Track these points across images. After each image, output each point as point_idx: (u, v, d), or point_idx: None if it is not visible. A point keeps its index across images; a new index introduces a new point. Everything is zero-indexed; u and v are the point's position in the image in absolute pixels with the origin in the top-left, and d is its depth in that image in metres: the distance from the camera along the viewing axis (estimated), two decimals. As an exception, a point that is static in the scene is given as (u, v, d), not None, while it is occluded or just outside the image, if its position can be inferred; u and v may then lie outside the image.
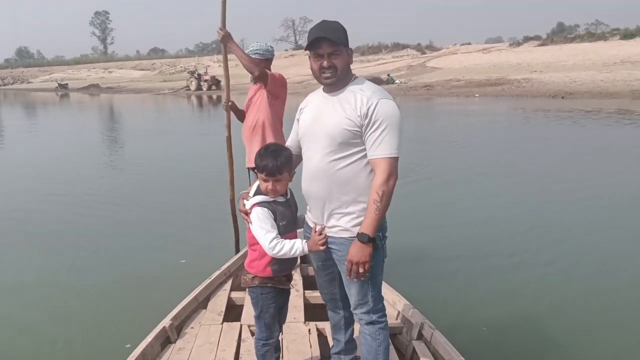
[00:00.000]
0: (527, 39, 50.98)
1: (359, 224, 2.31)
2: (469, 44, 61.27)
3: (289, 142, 2.61)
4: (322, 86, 2.43)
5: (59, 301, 4.63)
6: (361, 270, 2.28)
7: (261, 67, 4.09)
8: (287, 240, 2.42)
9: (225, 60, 4.49)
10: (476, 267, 5.21)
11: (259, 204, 2.42)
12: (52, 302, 4.60)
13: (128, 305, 4.48)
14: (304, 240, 2.45)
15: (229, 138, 4.64)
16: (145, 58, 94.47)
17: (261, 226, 2.39)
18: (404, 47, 60.61)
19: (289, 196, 2.53)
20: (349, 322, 2.75)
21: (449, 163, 10.51)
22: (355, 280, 2.36)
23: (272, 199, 2.44)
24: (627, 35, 41.91)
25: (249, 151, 4.29)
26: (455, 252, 5.60)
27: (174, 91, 42.35)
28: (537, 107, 20.69)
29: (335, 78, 2.30)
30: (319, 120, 2.36)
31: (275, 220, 2.43)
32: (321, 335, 3.27)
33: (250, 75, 4.22)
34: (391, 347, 3.02)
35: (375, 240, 2.30)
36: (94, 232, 6.50)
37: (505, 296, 4.55)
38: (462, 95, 27.04)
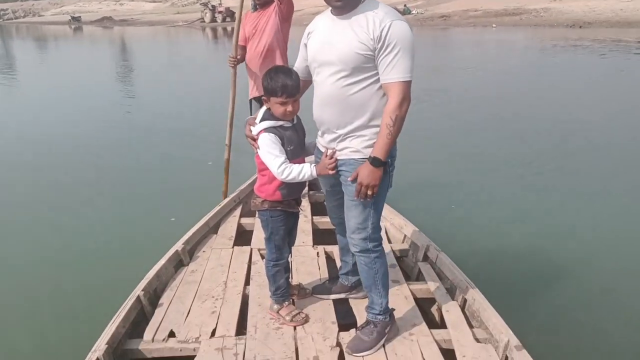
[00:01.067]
0: (548, -33, 49.37)
1: (371, 146, 2.32)
2: (488, -28, 59.30)
3: (296, 67, 2.54)
4: (330, 8, 2.34)
5: (75, 230, 4.79)
6: (369, 192, 2.30)
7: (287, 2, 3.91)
8: (296, 165, 2.44)
9: (239, 21, 4.18)
10: (484, 195, 5.32)
11: (266, 129, 2.42)
12: (66, 232, 4.75)
13: (143, 232, 4.63)
14: (313, 164, 2.46)
15: (232, 108, 4.46)
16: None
17: (269, 151, 2.41)
18: (421, -24, 58.88)
19: (295, 121, 2.53)
20: None
21: (460, 89, 11.03)
22: (359, 202, 2.38)
23: (279, 124, 2.44)
24: (652, -38, 40.49)
25: (256, 81, 4.14)
26: (463, 180, 5.71)
27: (188, 23, 42.17)
28: (554, 37, 20.80)
29: (345, 1, 2.22)
30: (329, 44, 2.29)
31: (282, 145, 2.43)
32: (329, 258, 3.37)
33: (251, 2, 4.12)
34: (397, 268, 3.24)
35: (385, 164, 2.30)
36: (105, 173, 6.38)
37: (511, 223, 4.66)
38: (480, 25, 27.02)
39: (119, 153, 7.24)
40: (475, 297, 2.76)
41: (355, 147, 2.35)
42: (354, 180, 2.32)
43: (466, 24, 28.10)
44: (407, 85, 2.21)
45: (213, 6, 42.08)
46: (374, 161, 2.26)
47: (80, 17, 56.11)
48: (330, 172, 2.40)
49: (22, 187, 5.97)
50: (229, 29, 35.47)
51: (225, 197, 4.46)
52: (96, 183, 6.01)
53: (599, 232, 4.44)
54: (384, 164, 2.28)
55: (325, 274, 3.16)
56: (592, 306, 3.46)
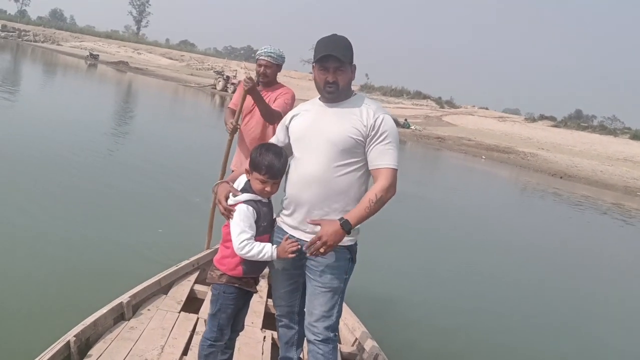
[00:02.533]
0: (542, 117, 52.69)
1: (350, 233, 2.34)
2: (487, 108, 63.04)
3: None
4: (319, 97, 2.50)
5: (24, 262, 4.58)
6: (322, 250, 2.26)
7: (279, 119, 3.66)
8: (257, 243, 2.37)
9: (238, 115, 4.14)
10: (439, 309, 5.46)
11: (247, 201, 2.38)
12: (17, 266, 4.50)
13: (89, 278, 4.45)
14: (274, 246, 2.41)
15: (225, 162, 4.27)
16: (175, 48, 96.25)
17: (239, 224, 2.35)
18: (425, 97, 62.36)
19: (270, 197, 2.50)
20: (301, 339, 2.70)
21: (434, 206, 11.63)
22: (328, 289, 2.37)
23: (258, 199, 2.41)
24: (637, 136, 43.57)
25: (239, 157, 4.19)
26: (421, 295, 5.82)
27: (200, 86, 43.69)
28: (535, 181, 22.00)
29: (337, 93, 2.39)
30: (318, 127, 2.39)
31: (257, 220, 2.39)
32: (275, 346, 3.13)
33: (257, 78, 4.02)
34: None
35: (350, 231, 2.30)
36: (70, 207, 6.30)
37: (463, 339, 4.85)
38: (470, 154, 28.39)
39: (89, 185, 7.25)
40: None
41: None
42: (314, 243, 2.27)
43: (458, 150, 29.56)
44: (396, 173, 2.34)
45: (227, 76, 43.83)
46: (344, 224, 2.26)
47: (98, 55, 57.81)
48: (290, 255, 2.35)
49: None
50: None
51: (209, 247, 4.33)
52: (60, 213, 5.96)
53: (556, 347, 4.82)
54: (349, 232, 2.29)
55: None
56: None
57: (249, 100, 4.03)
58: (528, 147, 32.89)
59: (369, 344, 3.35)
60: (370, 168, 2.36)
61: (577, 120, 58.42)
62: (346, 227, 2.27)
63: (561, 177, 24.32)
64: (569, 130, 45.28)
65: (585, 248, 10.63)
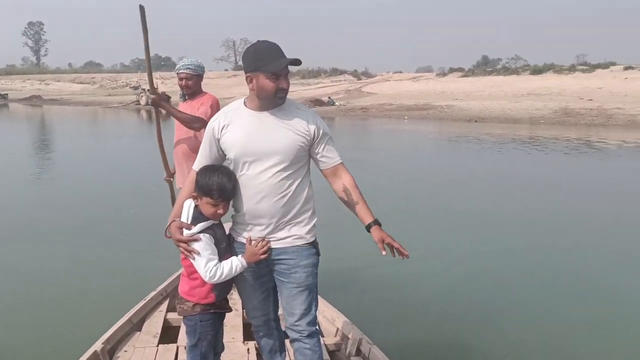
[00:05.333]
0: (452, 70, 56.36)
1: (310, 230, 2.48)
2: (400, 72, 66.32)
3: (202, 163, 2.49)
4: (242, 102, 2.45)
5: None
6: (397, 245, 2.34)
7: (200, 123, 3.81)
8: (225, 262, 2.36)
9: (159, 129, 4.22)
10: (417, 286, 5.32)
11: (202, 231, 2.32)
12: None
13: (57, 330, 4.22)
14: (240, 256, 2.40)
15: (160, 144, 4.27)
16: (81, 71, 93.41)
17: (203, 254, 2.31)
18: (342, 72, 64.89)
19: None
20: (282, 343, 2.78)
21: (382, 174, 12.76)
22: (304, 287, 2.44)
23: (211, 223, 2.37)
24: (536, 71, 47.76)
25: (180, 173, 4.11)
26: (392, 271, 5.58)
27: (123, 105, 43.77)
28: (453, 128, 24.65)
29: (285, 98, 2.39)
30: (262, 138, 2.35)
31: (216, 244, 2.37)
32: (260, 356, 3.07)
33: (180, 92, 4.11)
34: None
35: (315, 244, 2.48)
36: (19, 250, 6.19)
37: (444, 314, 4.71)
38: (394, 117, 30.83)
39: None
40: None
41: (298, 234, 2.44)
42: (384, 248, 2.37)
43: (382, 116, 31.96)
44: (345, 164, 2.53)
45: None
46: (377, 222, 2.43)
47: (7, 94, 55.68)
48: (262, 257, 2.37)
49: None
50: (163, 112, 37.31)
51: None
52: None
53: (534, 325, 4.53)
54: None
55: None
56: None
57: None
58: (443, 101, 35.81)
59: (351, 332, 3.39)
60: (324, 168, 2.49)
61: (484, 67, 62.65)
62: (379, 223, 2.44)
63: (476, 121, 27.19)
64: (477, 78, 48.88)
65: (517, 176, 12.89)
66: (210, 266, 2.31)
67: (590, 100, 31.52)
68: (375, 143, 19.76)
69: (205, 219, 2.36)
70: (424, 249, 6.36)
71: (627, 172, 13.15)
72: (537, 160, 14.96)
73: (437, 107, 33.10)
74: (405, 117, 30.59)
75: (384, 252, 2.36)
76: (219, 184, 2.31)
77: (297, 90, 45.80)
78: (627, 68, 42.92)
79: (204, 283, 2.38)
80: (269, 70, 2.30)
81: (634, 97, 30.98)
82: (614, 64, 45.25)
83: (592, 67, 45.53)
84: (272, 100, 2.37)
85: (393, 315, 4.60)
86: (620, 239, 7.17)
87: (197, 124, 3.84)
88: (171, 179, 4.44)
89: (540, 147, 17.76)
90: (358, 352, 3.28)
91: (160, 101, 3.91)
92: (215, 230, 2.39)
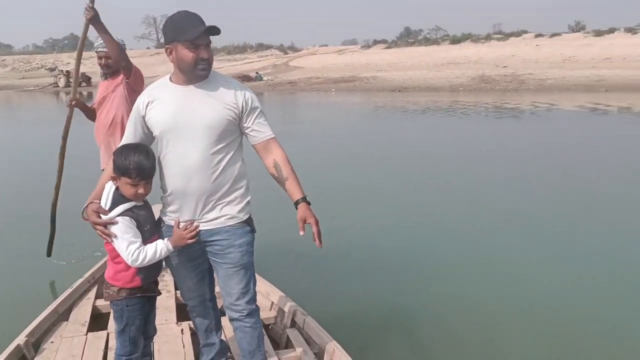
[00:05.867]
0: (376, 42, 57.57)
1: (243, 208, 2.39)
2: (326, 45, 66.89)
3: (130, 141, 2.39)
4: (168, 78, 2.36)
5: None
6: (315, 230, 2.31)
7: (126, 56, 3.81)
8: (149, 246, 2.27)
9: (80, 53, 4.15)
10: (346, 255, 5.30)
11: (122, 214, 2.23)
12: None
13: None
14: (165, 239, 2.32)
15: (63, 145, 4.31)
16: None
17: (123, 238, 2.22)
18: (268, 47, 64.66)
19: (145, 198, 2.36)
20: (219, 322, 2.72)
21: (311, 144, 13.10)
22: (240, 267, 2.38)
23: (132, 205, 2.28)
24: (455, 41, 49.74)
25: (106, 152, 3.99)
26: (324, 243, 5.83)
27: (40, 88, 41.70)
28: (378, 98, 25.55)
29: (209, 70, 2.29)
30: (189, 113, 2.27)
31: (139, 227, 2.27)
32: (195, 335, 2.99)
33: (100, 71, 4.07)
34: (265, 337, 3.02)
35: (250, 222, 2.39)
36: None
37: (374, 281, 4.71)
38: (322, 90, 31.40)
39: None
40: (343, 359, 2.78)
41: (230, 213, 2.36)
42: (304, 227, 2.31)
43: (310, 89, 32.44)
44: (277, 139, 2.41)
45: (67, 71, 42.17)
46: (306, 200, 2.35)
47: None
48: (190, 241, 2.29)
49: None
50: (84, 93, 36.01)
51: (50, 255, 4.47)
52: None
53: (469, 289, 4.52)
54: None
55: (190, 353, 3.00)
56: None
57: (100, 92, 4.06)
58: (369, 72, 36.76)
59: (286, 304, 3.41)
60: (254, 142, 2.39)
61: (406, 38, 64.25)
62: (308, 201, 2.36)
63: (400, 91, 28.28)
64: (400, 49, 50.27)
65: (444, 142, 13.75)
66: (131, 249, 2.22)
67: (505, 67, 33.49)
68: (305, 116, 20.22)
69: (126, 200, 2.26)
70: (353, 217, 6.49)
71: (543, 131, 14.27)
72: (458, 126, 15.91)
73: (362, 79, 33.96)
74: (333, 90, 31.22)
75: (301, 232, 2.30)
76: (137, 163, 2.21)
77: (224, 66, 45.32)
78: (537, 36, 45.63)
79: (128, 267, 2.29)
80: (186, 40, 2.20)
81: (543, 62, 33.21)
82: (525, 32, 47.88)
83: (507, 36, 48.00)
84: (194, 72, 2.26)
85: (327, 286, 4.65)
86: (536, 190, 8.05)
87: (125, 56, 3.85)
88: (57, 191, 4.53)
89: (461, 112, 18.86)
90: (293, 323, 3.30)
91: (98, 17, 3.78)
92: (136, 212, 2.29)
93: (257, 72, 40.24)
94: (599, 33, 42.09)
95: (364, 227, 6.27)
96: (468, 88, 28.02)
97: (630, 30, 40.37)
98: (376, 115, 19.92)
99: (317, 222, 2.31)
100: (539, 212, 6.71)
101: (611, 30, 41.73)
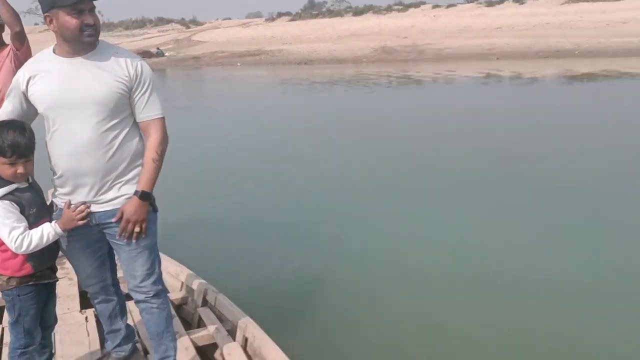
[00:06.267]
0: (280, 15, 57.01)
1: None
2: (230, 18, 65.38)
3: (7, 117, 2.20)
4: (52, 51, 2.18)
5: None
6: (137, 229, 2.18)
7: (21, 24, 3.47)
8: (34, 230, 2.11)
9: None
10: (253, 229, 5.24)
11: (1, 198, 2.09)
12: None
13: None
14: (53, 222, 2.17)
15: None
16: None
17: (4, 223, 2.07)
18: (169, 21, 62.00)
19: (30, 180, 2.22)
20: (123, 307, 2.62)
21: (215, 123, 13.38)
22: (144, 248, 2.27)
23: (13, 188, 2.12)
24: (357, 12, 50.37)
25: None
26: (232, 219, 5.57)
27: None
28: (284, 71, 25.55)
29: (96, 37, 2.12)
30: (75, 87, 2.11)
31: (22, 211, 2.12)
32: (99, 322, 2.85)
33: None
34: (176, 318, 2.99)
35: (152, 198, 2.24)
36: None
37: (283, 254, 4.65)
38: (227, 65, 30.84)
39: None
40: (256, 334, 2.75)
41: (129, 193, 2.22)
42: (119, 220, 2.19)
43: (215, 64, 31.75)
44: (164, 121, 2.24)
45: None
46: (142, 195, 2.17)
47: None
48: (81, 222, 2.17)
49: None
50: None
51: None
52: None
53: (378, 260, 4.47)
54: (150, 199, 2.22)
55: (96, 341, 2.85)
56: (370, 328, 3.52)
57: None
58: (274, 45, 36.44)
59: (196, 283, 3.35)
60: (139, 120, 2.22)
61: (310, 10, 64.17)
62: (145, 197, 2.19)
63: (305, 64, 28.38)
64: (305, 21, 50.13)
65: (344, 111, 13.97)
66: (14, 235, 2.06)
67: (405, 37, 34.47)
68: (210, 90, 19.86)
69: (6, 183, 2.10)
70: (260, 188, 6.54)
71: (445, 98, 15.12)
72: (363, 96, 16.35)
73: (268, 52, 33.68)
74: (239, 64, 30.75)
75: (113, 220, 2.21)
76: (11, 140, 2.04)
77: (122, 42, 42.91)
78: (435, 7, 47.27)
79: (15, 254, 2.14)
80: (67, 4, 2.01)
81: (441, 33, 34.55)
82: (424, 2, 49.43)
83: (406, 7, 49.31)
84: (80, 39, 2.08)
85: (237, 262, 4.56)
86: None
87: (20, 23, 3.42)
88: None
89: (366, 83, 19.36)
90: (204, 302, 3.24)
91: None
92: (19, 195, 2.12)
93: (158, 48, 38.57)
94: (490, 3, 44.28)
95: (269, 200, 6.22)
96: (371, 59, 28.70)
97: (518, 1, 42.89)
98: (284, 87, 19.95)
99: (127, 221, 2.18)
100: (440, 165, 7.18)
101: (501, 1, 44.10)
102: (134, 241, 2.22)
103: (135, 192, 2.20)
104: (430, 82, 18.98)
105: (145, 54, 34.71)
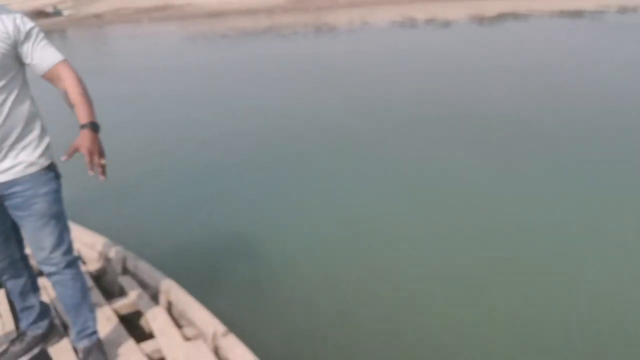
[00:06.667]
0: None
1: (43, 153, 2.14)
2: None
3: None
4: None
5: None
6: (103, 161, 1.99)
7: None
8: None
9: None
10: (167, 191, 5.04)
11: None
12: None
13: None
14: None
15: None
16: None
17: None
18: (64, -24, 57.26)
19: None
20: (35, 282, 2.49)
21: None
22: (49, 218, 2.16)
23: None
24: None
25: None
26: (146, 181, 5.34)
27: None
28: (196, 25, 24.49)
29: None
30: None
31: None
32: (11, 301, 2.73)
33: None
34: (96, 289, 2.92)
35: (99, 130, 2.04)
36: None
37: (205, 217, 4.45)
38: (133, 22, 29.10)
39: None
40: (180, 297, 2.71)
41: (28, 160, 2.10)
42: (71, 155, 1.97)
43: (120, 21, 29.87)
44: (69, 63, 2.11)
45: None
46: (93, 126, 2.00)
47: None
48: None
49: None
50: None
51: None
52: None
53: (312, 224, 4.26)
54: (99, 130, 2.04)
55: (9, 321, 2.74)
56: (294, 286, 3.43)
57: None
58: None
59: (114, 252, 3.25)
60: (41, 73, 2.08)
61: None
62: (96, 128, 2.02)
63: (217, 16, 27.33)
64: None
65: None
66: None
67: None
68: (116, 50, 18.63)
69: None
70: (177, 148, 6.39)
71: (364, 45, 15.10)
72: (279, 46, 16.02)
73: (176, 7, 32.12)
74: (146, 20, 29.07)
75: (63, 158, 1.98)
76: None
77: (13, 3, 39.34)
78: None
79: None
80: None
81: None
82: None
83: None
84: None
85: (156, 226, 4.35)
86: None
87: None
88: None
89: (281, 33, 18.94)
90: (125, 270, 3.14)
91: None
92: None
93: (54, 7, 35.66)
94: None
95: (185, 160, 5.95)
96: (284, 9, 28.07)
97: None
98: (195, 42, 19.10)
99: (90, 152, 1.94)
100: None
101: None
102: (101, 177, 1.98)
103: (83, 126, 1.99)
104: (346, 30, 18.86)
105: (40, 15, 32.09)
